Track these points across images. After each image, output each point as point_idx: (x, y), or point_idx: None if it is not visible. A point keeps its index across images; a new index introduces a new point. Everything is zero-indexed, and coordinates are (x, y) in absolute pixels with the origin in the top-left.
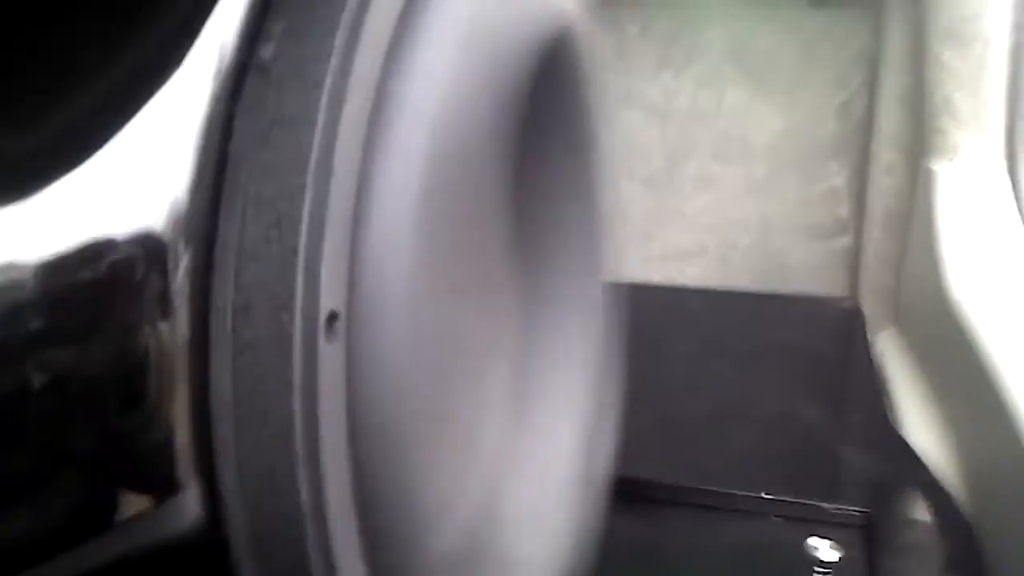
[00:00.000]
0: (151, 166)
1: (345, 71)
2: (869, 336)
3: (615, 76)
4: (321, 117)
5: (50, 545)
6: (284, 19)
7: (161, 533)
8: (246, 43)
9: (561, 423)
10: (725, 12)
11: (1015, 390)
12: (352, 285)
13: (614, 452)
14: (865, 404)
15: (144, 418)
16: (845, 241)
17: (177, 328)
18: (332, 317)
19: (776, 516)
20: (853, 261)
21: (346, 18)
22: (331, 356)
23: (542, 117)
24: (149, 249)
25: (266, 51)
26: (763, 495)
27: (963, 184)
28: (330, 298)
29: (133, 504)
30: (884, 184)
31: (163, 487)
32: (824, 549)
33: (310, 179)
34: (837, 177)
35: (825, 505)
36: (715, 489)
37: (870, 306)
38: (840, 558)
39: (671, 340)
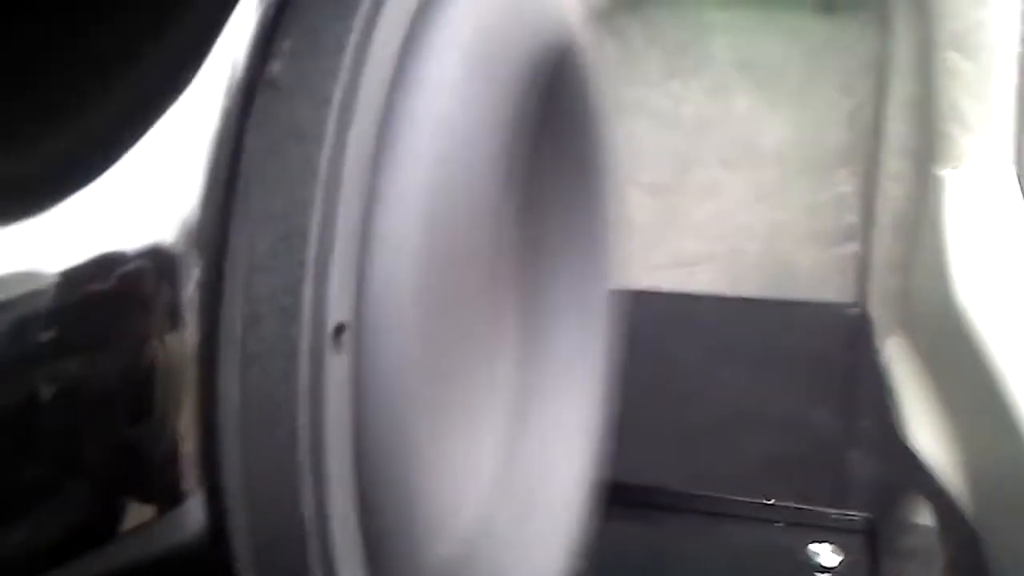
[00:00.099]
0: (163, 180)
1: (353, 87)
2: (877, 342)
3: (622, 85)
4: (329, 132)
5: (58, 553)
6: (293, 37)
7: (167, 542)
8: (256, 60)
9: (560, 431)
10: (732, 21)
11: (1021, 397)
12: (360, 297)
13: (611, 458)
14: (872, 410)
15: (152, 428)
16: (853, 248)
17: (186, 339)
18: (340, 329)
19: (780, 522)
20: (861, 267)
21: (354, 36)
22: (338, 367)
23: (547, 128)
24: (159, 262)
25: (276, 68)
26: (767, 501)
27: (971, 190)
28: (338, 310)
29: (140, 513)
30: (892, 191)
31: (169, 497)
32: (826, 554)
33: (319, 193)
34: (845, 184)
35: (829, 510)
36: (719, 495)
37: (878, 312)
38: (841, 562)
39: (679, 346)
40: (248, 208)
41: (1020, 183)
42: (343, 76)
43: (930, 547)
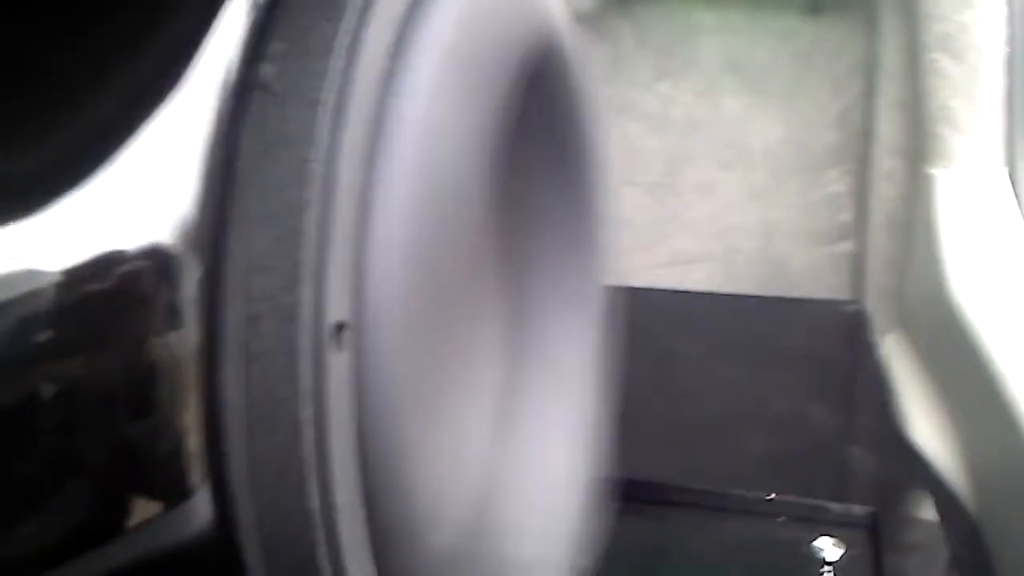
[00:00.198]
0: (159, 180)
1: (344, 89)
2: (874, 338)
3: (613, 87)
4: (322, 134)
5: (64, 550)
6: (284, 40)
7: (173, 537)
8: (248, 63)
9: (558, 425)
10: (720, 22)
11: (1017, 390)
12: (358, 295)
13: (618, 454)
14: (871, 406)
15: (156, 426)
16: (847, 246)
17: (187, 339)
18: (339, 327)
19: (782, 517)
20: (857, 265)
21: (343, 39)
22: (338, 365)
23: (535, 128)
24: (159, 262)
25: (268, 71)
26: (769, 496)
27: (962, 189)
28: (336, 308)
29: (146, 509)
30: (884, 190)
31: (175, 493)
32: (828, 548)
33: (314, 194)
34: (837, 183)
35: (831, 505)
36: (721, 491)
37: (875, 309)
38: (842, 556)
39: (679, 343)
40: (245, 209)
41: (1011, 182)
42: (334, 79)
43: (932, 541)
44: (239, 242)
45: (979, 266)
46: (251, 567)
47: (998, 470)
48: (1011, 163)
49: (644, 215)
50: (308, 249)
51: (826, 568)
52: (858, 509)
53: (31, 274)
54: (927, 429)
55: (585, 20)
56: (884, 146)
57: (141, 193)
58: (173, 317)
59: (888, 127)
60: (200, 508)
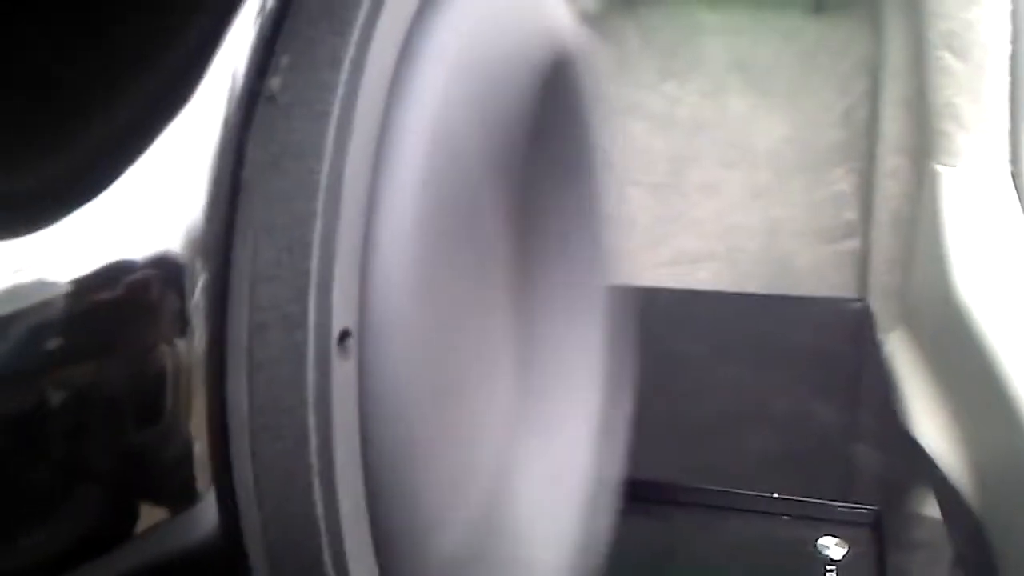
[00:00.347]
0: (168, 192)
1: (350, 101)
2: (879, 336)
3: (618, 87)
4: (328, 145)
5: (71, 557)
6: (291, 53)
7: (179, 543)
8: (255, 75)
9: (568, 427)
10: (725, 22)
11: (1022, 388)
12: (363, 304)
13: (625, 455)
14: (876, 403)
15: (163, 433)
16: (852, 244)
17: (194, 346)
18: (344, 335)
19: (787, 515)
20: (861, 263)
21: (350, 51)
22: (344, 372)
23: (542, 136)
24: (166, 271)
25: (274, 83)
26: (773, 495)
27: (967, 186)
28: (342, 317)
29: (152, 515)
30: (889, 188)
31: (181, 499)
32: (832, 547)
33: (320, 206)
34: (842, 182)
35: (835, 503)
36: (725, 489)
37: (879, 307)
38: (845, 554)
39: (683, 343)
40: (251, 220)
41: (1015, 180)
42: (341, 91)
43: (936, 539)
44: (246, 252)
45: (984, 263)
46: (256, 573)
47: (1002, 468)
48: (1016, 160)
49: (649, 215)
50: (314, 259)
51: (830, 567)
52: (862, 508)
53: (41, 284)
54: (931, 427)
55: (590, 21)
56: (889, 144)
57: (149, 203)
58: (180, 325)
59: (893, 125)
60: (206, 514)
